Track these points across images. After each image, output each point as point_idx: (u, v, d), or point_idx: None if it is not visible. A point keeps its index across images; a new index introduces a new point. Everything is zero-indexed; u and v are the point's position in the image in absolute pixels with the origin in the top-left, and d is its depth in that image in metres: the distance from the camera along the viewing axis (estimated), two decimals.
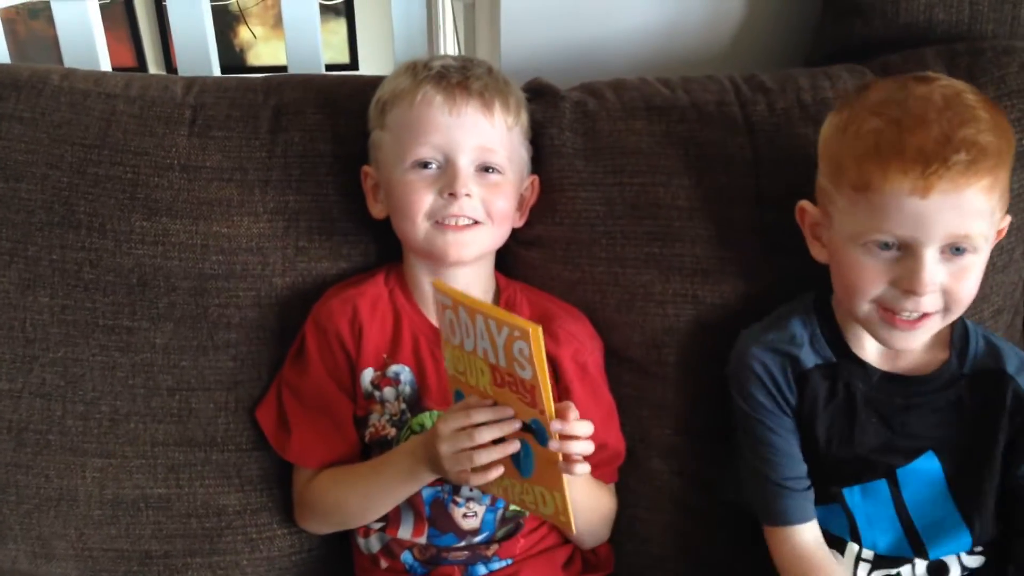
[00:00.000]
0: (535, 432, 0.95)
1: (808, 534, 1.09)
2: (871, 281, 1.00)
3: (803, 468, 1.10)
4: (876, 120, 0.98)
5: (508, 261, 1.26)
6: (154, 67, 4.02)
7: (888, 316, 1.01)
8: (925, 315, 1.00)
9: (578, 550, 1.23)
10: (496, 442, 0.97)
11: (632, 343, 1.23)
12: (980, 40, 1.28)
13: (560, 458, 0.93)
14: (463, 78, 1.13)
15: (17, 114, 1.22)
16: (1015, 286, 1.24)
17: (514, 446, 0.97)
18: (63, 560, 1.22)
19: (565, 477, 0.95)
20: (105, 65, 1.61)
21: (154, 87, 1.27)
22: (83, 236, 1.20)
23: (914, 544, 1.07)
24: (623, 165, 1.23)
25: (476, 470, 0.97)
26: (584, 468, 0.94)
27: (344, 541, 1.23)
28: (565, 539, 1.21)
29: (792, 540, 1.09)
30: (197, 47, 1.61)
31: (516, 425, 0.96)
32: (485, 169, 1.13)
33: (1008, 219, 1.05)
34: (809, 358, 1.10)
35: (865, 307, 1.02)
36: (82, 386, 1.20)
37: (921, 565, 1.07)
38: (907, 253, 0.98)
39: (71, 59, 1.57)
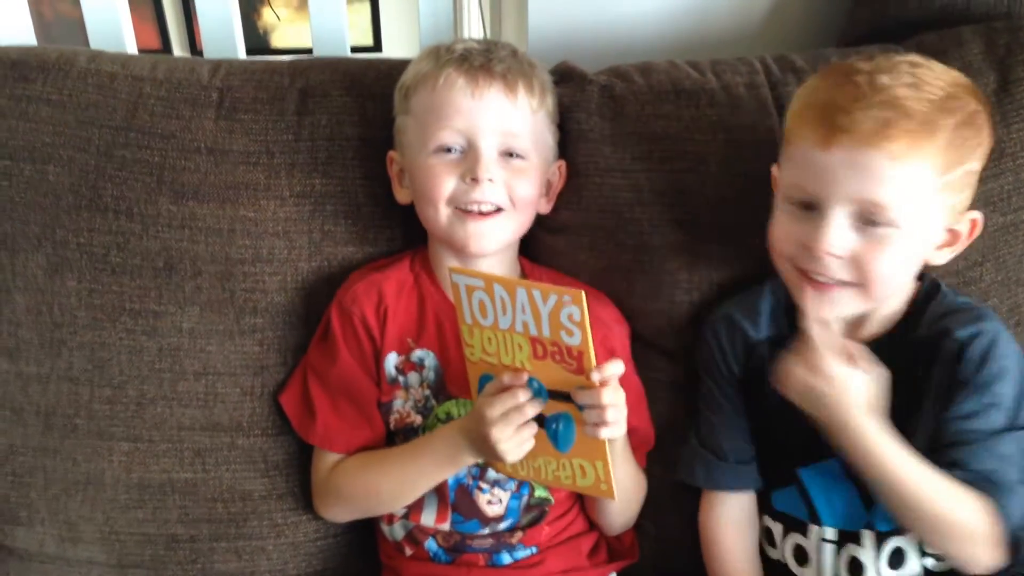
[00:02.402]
0: (576, 403, 0.96)
1: (735, 505, 1.14)
2: (785, 240, 1.00)
3: (743, 438, 1.12)
4: (815, 78, 1.01)
5: (534, 247, 1.25)
6: (179, 49, 4.02)
7: (803, 277, 1.00)
8: (839, 284, 0.97)
9: (603, 538, 1.22)
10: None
11: (659, 330, 1.22)
12: (1019, 19, 1.25)
13: (605, 417, 0.94)
14: (486, 60, 1.12)
15: (44, 96, 1.22)
16: None
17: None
18: (90, 543, 1.23)
19: (607, 445, 0.96)
20: (131, 47, 1.60)
21: (181, 69, 1.27)
22: (110, 220, 1.20)
23: (867, 511, 1.05)
24: (651, 150, 1.22)
25: (522, 444, 0.99)
26: (620, 429, 0.96)
27: (369, 527, 1.23)
28: (590, 526, 1.21)
29: (718, 508, 1.15)
30: (223, 29, 1.60)
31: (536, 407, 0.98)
32: (508, 154, 1.12)
33: (975, 216, 1.01)
34: (762, 331, 1.10)
35: (785, 266, 1.02)
36: (109, 370, 1.20)
37: (868, 537, 1.05)
38: (818, 213, 0.96)
39: (97, 40, 1.57)
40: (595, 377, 0.93)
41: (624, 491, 1.13)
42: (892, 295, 1.03)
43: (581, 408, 0.96)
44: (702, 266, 1.20)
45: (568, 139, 1.24)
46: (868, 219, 0.94)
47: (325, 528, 1.24)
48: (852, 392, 0.96)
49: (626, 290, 1.22)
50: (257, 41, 3.99)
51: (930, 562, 1.05)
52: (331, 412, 1.16)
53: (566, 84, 1.26)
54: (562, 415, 0.98)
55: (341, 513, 1.21)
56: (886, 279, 0.98)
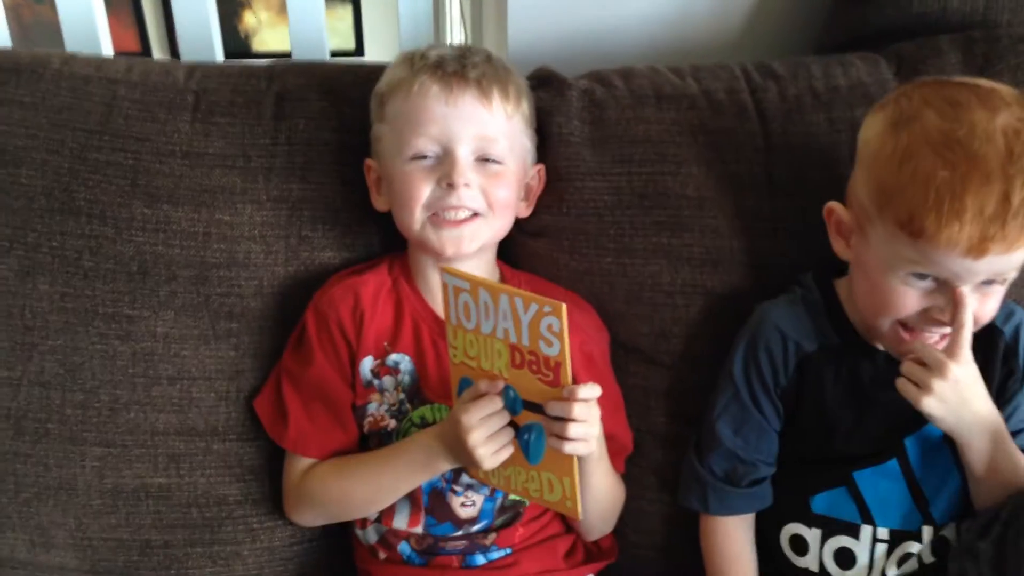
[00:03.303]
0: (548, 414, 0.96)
1: (744, 523, 1.15)
2: (904, 307, 1.00)
3: (769, 449, 1.13)
4: (937, 164, 0.93)
5: (514, 251, 1.25)
6: (158, 52, 4.01)
7: (912, 334, 1.02)
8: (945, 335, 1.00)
9: (580, 540, 1.22)
10: None
11: (640, 334, 1.22)
12: (996, 28, 1.26)
13: (568, 431, 0.94)
14: (460, 67, 1.12)
15: (17, 99, 1.21)
16: None
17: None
18: (62, 549, 1.21)
19: (575, 462, 0.96)
20: (107, 50, 1.59)
21: (156, 72, 1.26)
22: (83, 223, 1.19)
23: (922, 510, 1.08)
24: (631, 154, 1.22)
25: (498, 451, 0.99)
26: (587, 447, 0.96)
27: (345, 531, 1.23)
28: (567, 528, 1.20)
29: (726, 528, 1.15)
30: (200, 32, 1.59)
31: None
32: (485, 159, 1.12)
33: None
34: (811, 341, 1.10)
35: (887, 324, 1.02)
36: (81, 374, 1.19)
37: (928, 533, 1.07)
38: (944, 286, 0.97)
39: (73, 44, 1.55)
40: (566, 392, 0.93)
41: (598, 503, 1.13)
42: None
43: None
44: (683, 270, 1.20)
45: (548, 143, 1.24)
46: (991, 282, 0.97)
47: (301, 533, 1.23)
48: (977, 387, 1.00)
49: (607, 294, 1.22)
50: (238, 45, 3.98)
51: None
52: (304, 416, 1.16)
53: (546, 88, 1.26)
54: (534, 426, 0.97)
55: (312, 518, 1.20)
56: (988, 320, 1.01)
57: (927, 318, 0.99)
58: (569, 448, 0.95)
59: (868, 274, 1.03)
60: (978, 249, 0.92)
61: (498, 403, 0.97)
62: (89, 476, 1.20)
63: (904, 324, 1.01)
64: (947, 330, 0.99)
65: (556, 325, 0.89)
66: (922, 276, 0.97)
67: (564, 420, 0.94)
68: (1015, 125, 0.93)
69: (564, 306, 0.88)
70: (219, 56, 1.60)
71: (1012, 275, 0.98)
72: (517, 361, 0.95)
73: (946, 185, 0.92)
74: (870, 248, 1.02)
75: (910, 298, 0.99)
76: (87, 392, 1.19)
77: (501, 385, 0.97)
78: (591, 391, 0.94)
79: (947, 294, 0.97)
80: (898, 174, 0.96)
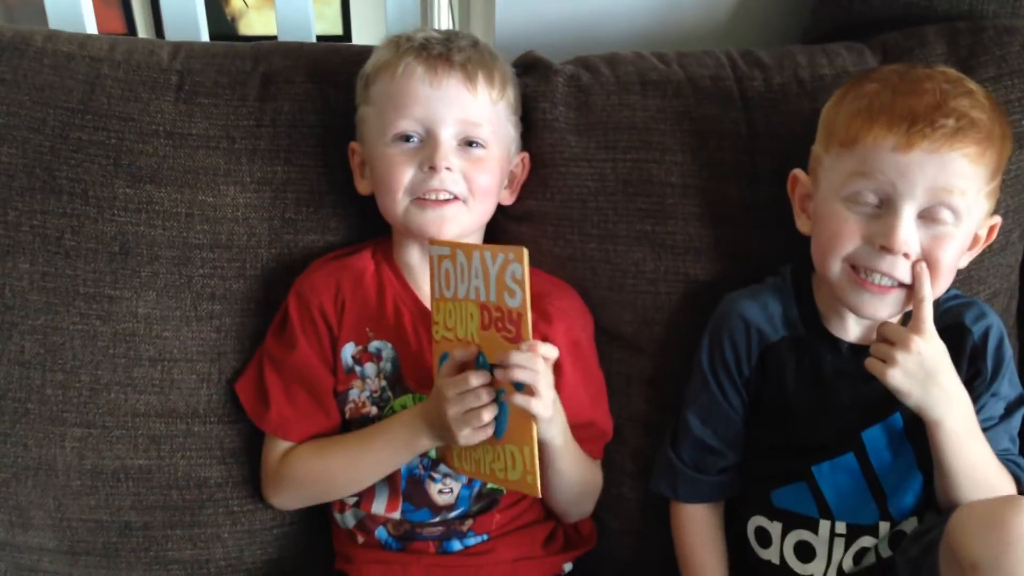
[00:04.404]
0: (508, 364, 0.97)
1: (713, 511, 1.17)
2: (848, 235, 1.01)
3: (735, 439, 1.14)
4: (874, 85, 1.02)
5: (498, 236, 1.24)
6: (144, 34, 3.97)
7: (858, 279, 1.01)
8: (897, 287, 1.01)
9: (560, 527, 1.22)
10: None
11: (622, 320, 1.22)
12: (981, 19, 1.26)
13: (519, 375, 0.95)
14: (445, 50, 1.12)
15: None
16: (1012, 268, 1.23)
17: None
18: (40, 530, 1.21)
19: (534, 429, 0.96)
20: (92, 29, 1.58)
21: (140, 51, 1.25)
22: (65, 202, 1.18)
23: (880, 505, 1.08)
24: (616, 140, 1.22)
25: (481, 429, 0.99)
26: (540, 405, 0.97)
27: (323, 516, 1.23)
28: (546, 515, 1.21)
29: (695, 517, 1.17)
30: (186, 15, 1.58)
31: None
32: (468, 143, 1.12)
33: (998, 219, 1.06)
34: (777, 331, 1.11)
35: (837, 267, 1.03)
36: (62, 355, 1.18)
37: (884, 528, 1.07)
38: (886, 210, 0.99)
39: (57, 23, 1.54)
40: (524, 347, 0.94)
41: (569, 487, 1.14)
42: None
43: (518, 387, 0.96)
44: (667, 257, 1.20)
45: (533, 129, 1.23)
46: (933, 215, 0.98)
47: (281, 516, 1.23)
48: (944, 362, 1.00)
49: (590, 280, 1.22)
50: (224, 28, 3.96)
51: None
52: (285, 400, 1.15)
53: (532, 74, 1.26)
54: (499, 392, 0.98)
55: (292, 500, 1.20)
56: (949, 272, 1.02)
57: (872, 251, 1.00)
58: (520, 400, 0.95)
59: (819, 219, 1.06)
60: (906, 142, 0.96)
61: (473, 380, 0.98)
62: (69, 457, 1.19)
63: (854, 266, 1.02)
64: (897, 266, 0.99)
65: (518, 272, 0.91)
66: (863, 198, 1.00)
67: (517, 367, 0.95)
68: (958, 74, 1.03)
69: (524, 249, 0.90)
70: (204, 37, 1.59)
71: (962, 209, 0.98)
72: (486, 321, 0.96)
73: (879, 95, 1.00)
74: (820, 191, 1.06)
75: (852, 224, 1.01)
76: (67, 372, 1.18)
77: (475, 350, 0.98)
78: (550, 350, 0.97)
79: (887, 218, 0.98)
80: (839, 106, 1.05)
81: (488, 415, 0.98)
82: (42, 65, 1.21)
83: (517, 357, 0.95)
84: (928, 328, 0.98)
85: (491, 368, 0.98)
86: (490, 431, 0.99)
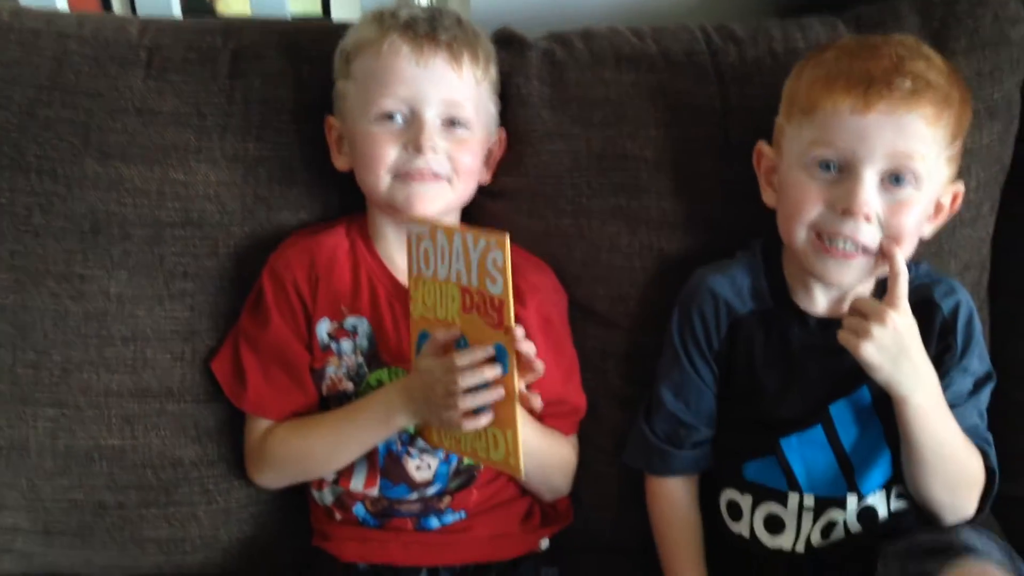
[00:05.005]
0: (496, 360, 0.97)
1: (689, 484, 1.17)
2: (810, 202, 1.02)
3: (707, 413, 1.14)
4: (832, 52, 1.04)
5: (473, 212, 1.24)
6: (120, 12, 3.92)
7: (823, 246, 1.02)
8: (861, 253, 1.01)
9: (536, 504, 1.22)
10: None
11: (597, 296, 1.22)
12: None
13: (517, 386, 0.96)
14: (431, 29, 1.11)
15: None
16: (983, 241, 1.23)
17: (498, 392, 0.97)
18: (14, 510, 1.20)
19: (517, 414, 0.96)
20: (63, 6, 1.56)
21: (108, 27, 1.23)
22: (33, 180, 1.16)
23: (848, 477, 1.08)
24: (591, 116, 1.21)
25: (467, 415, 0.98)
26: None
27: (301, 493, 1.22)
28: (523, 492, 1.21)
29: (670, 490, 1.17)
30: None
31: (496, 371, 0.96)
32: (452, 123, 1.11)
33: (961, 186, 1.07)
34: (745, 304, 1.11)
35: (803, 234, 1.03)
36: (33, 334, 1.17)
37: (852, 501, 1.08)
38: (846, 174, 1.00)
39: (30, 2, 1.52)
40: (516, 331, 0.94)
41: (539, 468, 1.13)
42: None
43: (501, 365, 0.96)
44: (641, 232, 1.20)
45: (508, 104, 1.23)
46: (896, 177, 0.99)
47: (257, 494, 1.23)
48: (916, 338, 1.00)
49: (565, 256, 1.22)
50: (200, 7, 3.91)
51: (894, 506, 1.09)
52: (262, 379, 1.15)
53: (506, 49, 1.25)
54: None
55: (275, 479, 1.19)
56: (911, 237, 1.02)
57: (835, 216, 1.00)
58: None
59: (783, 188, 1.07)
60: (864, 104, 0.97)
61: (462, 360, 0.97)
62: (41, 437, 1.18)
63: (819, 234, 1.02)
64: (861, 230, 0.99)
65: (499, 259, 0.91)
66: (827, 166, 1.01)
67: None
68: (917, 41, 1.05)
69: (506, 236, 0.90)
70: (177, 13, 1.58)
71: (922, 173, 0.99)
72: (467, 304, 0.96)
73: (838, 60, 1.02)
74: (783, 161, 1.07)
75: (814, 191, 1.01)
76: (39, 352, 1.18)
77: (458, 332, 0.98)
78: (528, 347, 0.97)
79: (848, 183, 0.99)
80: (799, 76, 1.06)
81: (467, 403, 0.97)
82: (8, 42, 1.19)
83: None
84: (903, 303, 0.99)
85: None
86: (481, 421, 0.98)
